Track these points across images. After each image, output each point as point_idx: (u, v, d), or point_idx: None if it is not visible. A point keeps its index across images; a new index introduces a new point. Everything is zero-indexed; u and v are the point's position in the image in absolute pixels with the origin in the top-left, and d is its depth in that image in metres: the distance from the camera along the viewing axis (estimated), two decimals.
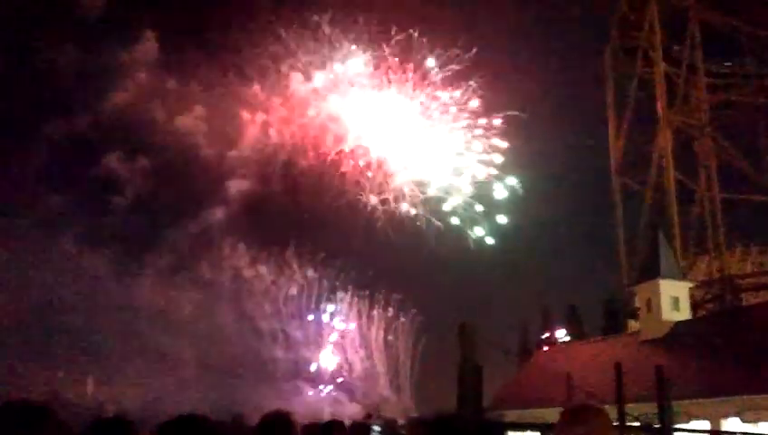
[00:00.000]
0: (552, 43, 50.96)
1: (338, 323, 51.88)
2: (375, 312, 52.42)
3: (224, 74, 48.23)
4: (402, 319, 52.59)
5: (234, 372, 43.71)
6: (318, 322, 51.20)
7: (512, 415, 31.03)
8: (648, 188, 46.99)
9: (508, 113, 49.03)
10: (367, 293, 52.26)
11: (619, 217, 49.49)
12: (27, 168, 40.97)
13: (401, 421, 16.87)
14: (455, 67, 49.44)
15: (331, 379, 50.44)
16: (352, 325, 51.84)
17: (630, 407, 18.13)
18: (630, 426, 18.02)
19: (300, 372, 49.10)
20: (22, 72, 41.34)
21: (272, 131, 50.12)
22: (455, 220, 50.44)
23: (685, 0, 47.37)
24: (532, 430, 22.38)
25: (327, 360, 50.96)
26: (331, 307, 51.88)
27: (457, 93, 49.98)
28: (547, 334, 49.24)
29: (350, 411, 45.91)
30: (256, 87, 49.89)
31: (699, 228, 45.14)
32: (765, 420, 22.79)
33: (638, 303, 35.70)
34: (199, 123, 48.38)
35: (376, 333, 52.15)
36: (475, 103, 49.01)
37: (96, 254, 40.98)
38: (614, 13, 49.91)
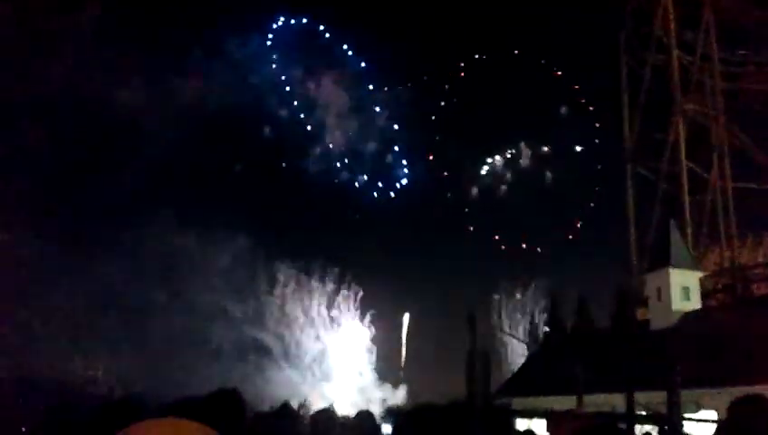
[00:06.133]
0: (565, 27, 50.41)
1: (277, 297, 49.15)
2: (313, 283, 50.16)
3: (163, 41, 47.76)
4: (345, 292, 51.00)
5: (172, 349, 41.42)
6: (256, 296, 48.47)
7: (519, 403, 31.13)
8: (660, 177, 46.65)
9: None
10: (302, 263, 50.33)
11: (630, 205, 49.18)
12: None
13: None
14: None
15: (284, 358, 47.97)
16: (292, 299, 49.34)
17: (639, 396, 18.10)
18: (639, 415, 17.99)
19: (246, 352, 46.63)
20: None
21: (210, 97, 49.48)
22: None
23: None
24: (539, 417, 22.41)
25: (273, 338, 48.14)
26: (267, 279, 49.25)
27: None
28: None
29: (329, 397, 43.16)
30: (196, 53, 50.05)
31: (711, 218, 44.81)
32: None
33: (647, 292, 35.53)
34: (135, 91, 46.89)
35: (318, 309, 49.92)
36: None
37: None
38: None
